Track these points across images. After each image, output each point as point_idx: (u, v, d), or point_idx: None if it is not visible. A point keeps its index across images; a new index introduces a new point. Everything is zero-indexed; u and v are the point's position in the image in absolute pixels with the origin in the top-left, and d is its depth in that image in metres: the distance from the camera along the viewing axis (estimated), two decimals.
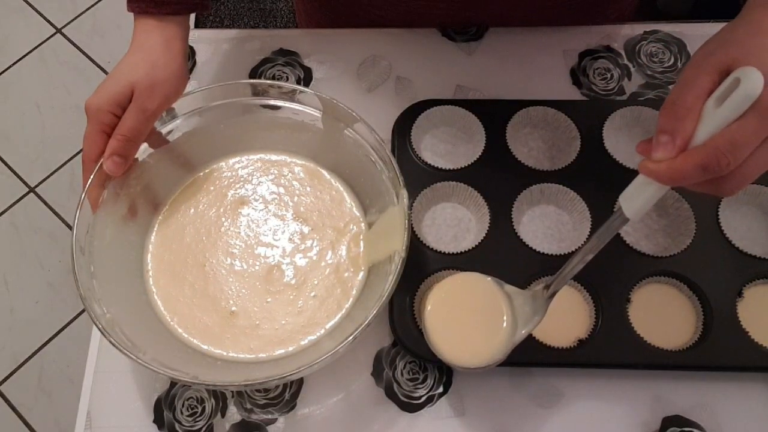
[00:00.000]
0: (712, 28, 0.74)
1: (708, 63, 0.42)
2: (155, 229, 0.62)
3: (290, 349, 0.57)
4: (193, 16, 0.63)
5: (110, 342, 0.50)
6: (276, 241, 0.61)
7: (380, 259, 0.58)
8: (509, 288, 0.54)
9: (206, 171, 0.65)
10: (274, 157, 0.66)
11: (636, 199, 0.44)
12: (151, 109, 0.55)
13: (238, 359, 0.56)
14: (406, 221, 0.53)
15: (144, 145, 0.59)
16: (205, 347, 0.57)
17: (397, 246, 0.53)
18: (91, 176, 0.55)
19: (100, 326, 0.50)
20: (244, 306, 0.58)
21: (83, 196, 0.55)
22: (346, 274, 0.59)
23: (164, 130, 0.61)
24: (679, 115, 0.41)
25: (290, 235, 0.62)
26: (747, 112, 0.39)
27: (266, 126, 0.64)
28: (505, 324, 0.52)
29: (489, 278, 0.55)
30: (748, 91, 0.38)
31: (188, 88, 0.60)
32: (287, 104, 0.62)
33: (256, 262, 0.60)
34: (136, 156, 0.58)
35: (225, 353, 0.57)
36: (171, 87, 0.56)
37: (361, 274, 0.60)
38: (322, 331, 0.57)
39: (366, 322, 0.50)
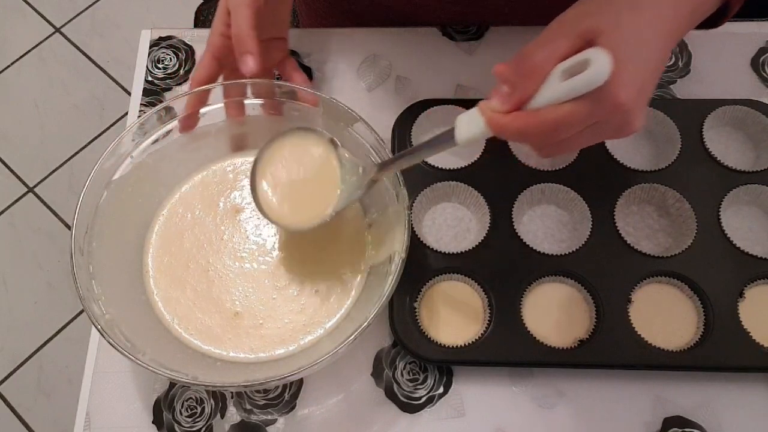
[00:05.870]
0: None
1: (572, 26, 0.41)
2: (155, 229, 0.62)
3: (291, 348, 0.57)
4: (193, 16, 0.63)
5: (109, 343, 0.49)
6: (277, 241, 0.61)
7: (380, 260, 0.58)
8: (345, 152, 0.56)
9: (207, 172, 0.65)
10: None
11: (467, 130, 0.45)
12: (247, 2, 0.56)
13: (238, 360, 0.56)
14: (406, 221, 0.53)
15: (144, 145, 0.59)
16: (206, 348, 0.57)
17: (397, 246, 0.53)
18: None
19: (99, 327, 0.50)
20: (250, 305, 0.58)
21: (83, 195, 0.55)
22: (345, 275, 0.59)
23: (164, 130, 0.61)
24: (524, 72, 0.41)
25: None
26: (585, 95, 0.39)
27: (266, 126, 0.64)
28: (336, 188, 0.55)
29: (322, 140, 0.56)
30: (592, 78, 0.38)
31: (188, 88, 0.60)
32: (287, 104, 0.61)
33: (263, 263, 0.60)
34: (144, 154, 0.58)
35: (225, 354, 0.57)
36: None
37: (361, 274, 0.59)
38: (322, 331, 0.57)
39: (366, 323, 0.50)
